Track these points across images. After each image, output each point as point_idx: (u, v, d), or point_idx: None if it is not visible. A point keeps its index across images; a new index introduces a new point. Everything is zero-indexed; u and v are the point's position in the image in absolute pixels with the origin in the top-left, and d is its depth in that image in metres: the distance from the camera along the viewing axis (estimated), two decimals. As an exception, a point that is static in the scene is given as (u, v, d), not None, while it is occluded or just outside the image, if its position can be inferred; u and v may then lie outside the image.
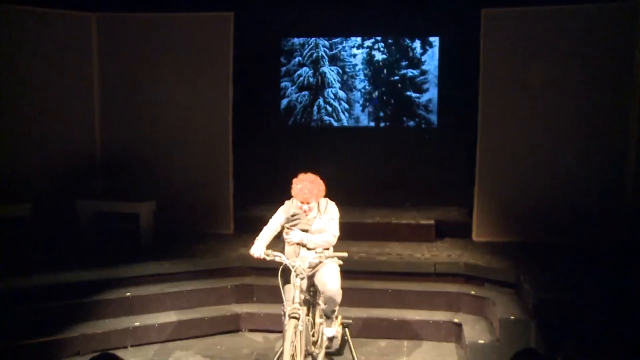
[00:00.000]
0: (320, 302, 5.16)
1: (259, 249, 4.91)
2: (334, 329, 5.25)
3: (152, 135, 8.25)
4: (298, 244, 5.04)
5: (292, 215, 5.10)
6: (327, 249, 5.09)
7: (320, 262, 4.93)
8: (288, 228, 5.08)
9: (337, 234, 5.11)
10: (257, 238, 5.03)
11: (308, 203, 4.99)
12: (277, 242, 5.22)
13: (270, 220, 5.15)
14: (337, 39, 9.26)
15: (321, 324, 5.22)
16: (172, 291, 6.39)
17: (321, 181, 5.07)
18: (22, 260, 6.75)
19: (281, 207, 5.19)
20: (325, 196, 5.16)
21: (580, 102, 7.57)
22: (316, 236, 5.04)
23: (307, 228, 5.07)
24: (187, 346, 5.91)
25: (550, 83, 7.57)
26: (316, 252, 4.82)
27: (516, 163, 7.75)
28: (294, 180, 5.05)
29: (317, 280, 5.05)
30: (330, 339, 5.25)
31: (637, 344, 4.74)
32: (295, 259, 4.86)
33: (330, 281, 5.00)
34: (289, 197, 5.18)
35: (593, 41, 7.48)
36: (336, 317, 5.31)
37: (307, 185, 4.96)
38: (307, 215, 5.07)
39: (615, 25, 7.42)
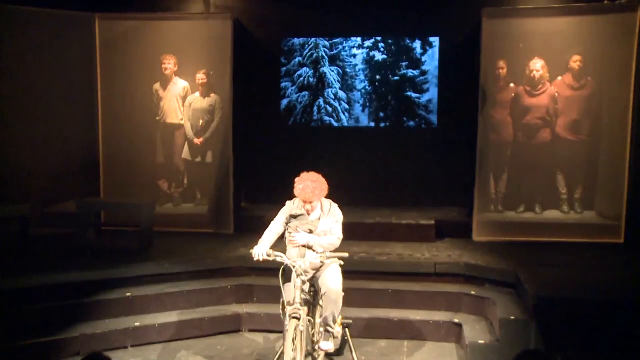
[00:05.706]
0: (320, 304, 5.07)
1: (261, 249, 4.85)
2: (331, 343, 5.12)
3: (153, 135, 8.26)
4: (304, 245, 4.99)
5: (294, 216, 5.07)
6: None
7: (322, 263, 4.93)
8: (293, 230, 5.03)
9: (341, 236, 5.09)
10: (260, 240, 4.99)
11: (310, 202, 4.97)
12: (279, 242, 5.21)
13: (272, 222, 5.13)
14: (337, 39, 9.24)
15: (319, 333, 5.10)
16: (172, 291, 6.38)
17: (323, 180, 5.04)
18: (22, 260, 6.76)
19: (282, 209, 5.16)
20: (327, 197, 5.15)
21: (580, 101, 7.57)
22: (322, 238, 5.00)
23: (312, 228, 5.05)
24: (187, 346, 5.90)
25: (550, 82, 7.57)
26: (317, 252, 4.81)
27: (516, 163, 7.75)
28: (296, 180, 5.01)
29: (319, 281, 5.02)
30: (327, 353, 5.13)
31: (637, 343, 4.74)
32: (296, 259, 4.85)
33: (332, 282, 4.97)
34: (290, 197, 5.17)
35: (592, 40, 7.49)
36: (338, 324, 5.21)
37: (309, 185, 4.92)
38: (309, 215, 5.05)
39: (615, 25, 7.42)
